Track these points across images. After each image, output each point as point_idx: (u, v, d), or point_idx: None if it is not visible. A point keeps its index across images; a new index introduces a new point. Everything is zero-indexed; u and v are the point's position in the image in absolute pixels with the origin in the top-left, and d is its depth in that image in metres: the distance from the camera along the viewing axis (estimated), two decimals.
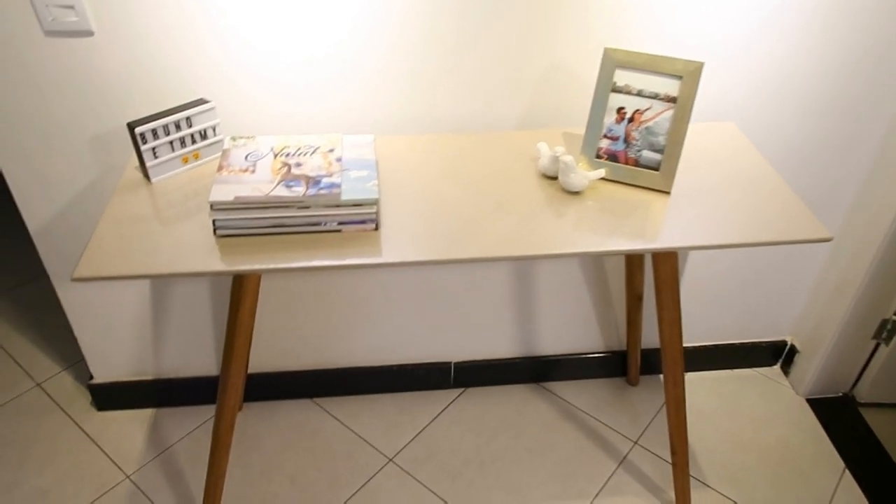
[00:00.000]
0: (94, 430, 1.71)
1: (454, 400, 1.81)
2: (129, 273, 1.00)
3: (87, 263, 1.02)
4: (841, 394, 1.83)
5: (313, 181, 1.07)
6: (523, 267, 1.63)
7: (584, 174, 1.17)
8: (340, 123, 1.35)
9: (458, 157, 1.28)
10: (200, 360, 1.71)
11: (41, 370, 1.88)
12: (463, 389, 1.84)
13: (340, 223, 1.07)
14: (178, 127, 1.17)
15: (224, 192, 1.04)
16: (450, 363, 1.79)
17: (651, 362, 1.86)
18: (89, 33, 1.19)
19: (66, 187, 1.37)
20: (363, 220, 1.07)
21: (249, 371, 1.75)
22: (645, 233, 1.09)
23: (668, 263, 1.21)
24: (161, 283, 1.56)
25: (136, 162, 1.24)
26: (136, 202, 1.14)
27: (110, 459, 1.64)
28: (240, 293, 1.14)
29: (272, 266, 1.02)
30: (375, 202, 1.06)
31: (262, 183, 1.06)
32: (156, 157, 1.17)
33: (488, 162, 1.26)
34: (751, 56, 1.34)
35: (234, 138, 1.16)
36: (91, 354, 1.66)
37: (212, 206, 1.03)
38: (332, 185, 1.06)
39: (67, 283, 1.52)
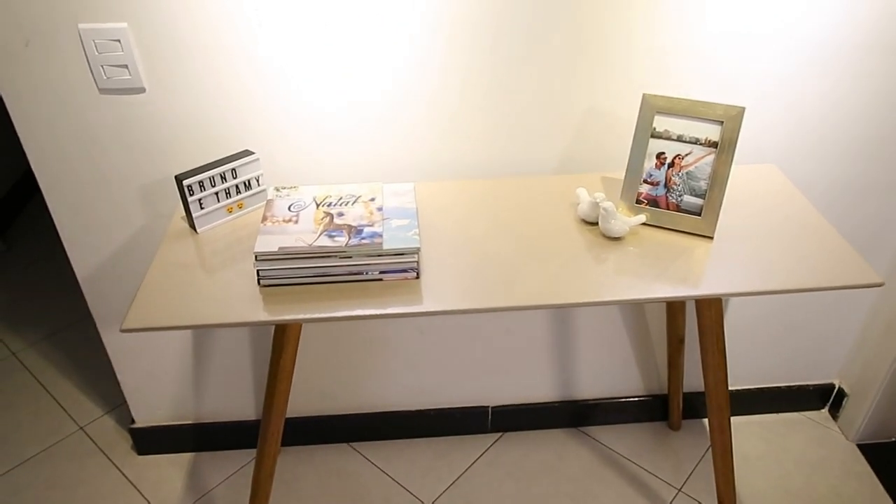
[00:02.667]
0: (135, 475, 1.72)
1: (492, 445, 1.79)
2: (175, 324, 1.01)
3: (136, 314, 1.04)
4: (894, 439, 1.76)
5: (355, 231, 1.08)
6: (561, 310, 1.61)
7: (625, 220, 1.16)
8: (381, 169, 1.37)
9: (496, 202, 1.29)
10: (240, 403, 1.72)
11: (84, 413, 1.91)
12: (501, 434, 1.82)
13: (382, 272, 1.08)
14: (223, 178, 1.20)
15: (268, 243, 1.05)
16: (487, 407, 1.77)
17: (693, 406, 1.82)
18: (141, 90, 1.23)
19: (114, 236, 1.41)
20: (404, 268, 1.08)
21: (287, 415, 1.75)
22: (688, 279, 1.08)
23: (712, 309, 1.19)
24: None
25: (182, 212, 1.27)
26: (182, 252, 1.17)
27: None
28: (282, 341, 1.15)
29: (315, 316, 1.03)
30: (416, 251, 1.06)
31: (305, 233, 1.08)
32: (202, 208, 1.19)
33: (527, 207, 1.27)
34: (793, 96, 1.33)
35: (277, 189, 1.19)
36: (133, 398, 1.69)
37: (256, 258, 1.04)
38: (374, 235, 1.07)
39: (112, 327, 1.55)
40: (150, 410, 1.71)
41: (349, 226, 1.09)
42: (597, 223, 1.21)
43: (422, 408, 1.77)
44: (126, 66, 1.20)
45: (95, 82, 1.22)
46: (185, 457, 1.77)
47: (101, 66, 1.20)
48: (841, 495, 1.63)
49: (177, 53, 1.20)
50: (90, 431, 1.85)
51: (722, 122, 1.11)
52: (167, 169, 1.33)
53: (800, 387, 1.81)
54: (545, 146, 1.37)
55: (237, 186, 1.23)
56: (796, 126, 1.37)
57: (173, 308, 1.05)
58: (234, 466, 1.74)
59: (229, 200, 1.23)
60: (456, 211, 1.26)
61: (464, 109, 1.31)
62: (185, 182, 1.16)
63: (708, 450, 1.75)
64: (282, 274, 1.07)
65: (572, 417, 1.81)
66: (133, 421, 1.73)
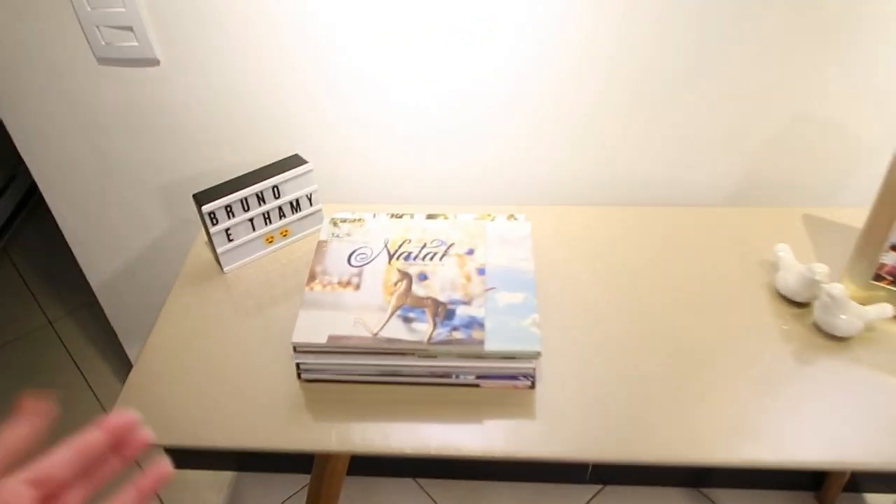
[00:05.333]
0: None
1: (590, 500, 1.46)
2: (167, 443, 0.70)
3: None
4: None
5: (444, 312, 0.72)
6: None
7: (860, 312, 0.75)
8: (477, 187, 0.99)
9: (640, 244, 0.88)
10: None
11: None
12: (601, 486, 1.48)
13: (479, 377, 0.72)
14: (261, 200, 0.85)
15: (313, 327, 0.70)
16: None
17: (856, 478, 1.42)
18: (154, 62, 0.87)
19: (129, 241, 1.09)
20: (515, 375, 0.71)
21: None
22: None
23: None
24: None
25: (205, 236, 0.93)
26: (198, 302, 0.84)
27: None
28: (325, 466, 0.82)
29: (373, 449, 0.68)
30: (536, 356, 0.69)
31: (368, 311, 0.72)
32: (230, 240, 0.85)
33: (690, 259, 0.86)
34: None
35: (334, 222, 0.83)
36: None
37: (295, 349, 0.70)
38: (472, 323, 0.70)
39: (133, 342, 1.27)
40: None
41: (435, 301, 0.73)
42: (807, 305, 0.80)
43: None
44: (131, 29, 0.84)
45: (92, 49, 0.86)
46: (226, 475, 1.52)
47: (97, 28, 0.84)
48: None
49: (202, 15, 0.83)
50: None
51: None
52: (188, 165, 0.99)
53: None
54: (721, 163, 0.94)
55: (280, 209, 0.87)
56: None
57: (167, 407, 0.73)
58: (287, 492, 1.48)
59: (268, 228, 0.87)
60: (582, 259, 0.87)
61: (604, 107, 0.89)
62: (205, 208, 0.81)
63: None
64: (333, 369, 0.72)
65: (689, 474, 1.45)
66: None
